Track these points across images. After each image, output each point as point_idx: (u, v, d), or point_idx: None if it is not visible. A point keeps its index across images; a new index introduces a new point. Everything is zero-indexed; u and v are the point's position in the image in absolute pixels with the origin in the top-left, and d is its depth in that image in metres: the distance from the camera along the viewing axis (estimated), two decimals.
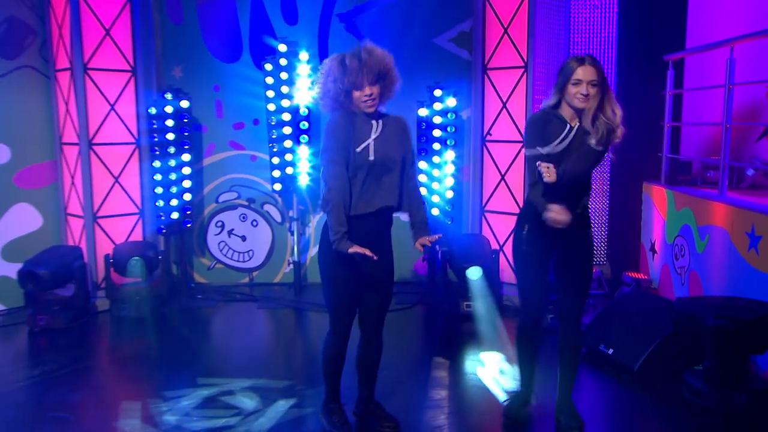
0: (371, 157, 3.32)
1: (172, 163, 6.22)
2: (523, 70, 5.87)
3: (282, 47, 6.16)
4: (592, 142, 3.32)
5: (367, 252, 3.24)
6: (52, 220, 6.16)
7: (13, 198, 5.93)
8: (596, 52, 6.33)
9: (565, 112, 3.38)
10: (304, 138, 6.24)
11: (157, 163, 6.19)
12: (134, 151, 6.11)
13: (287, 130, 6.22)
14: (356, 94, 3.30)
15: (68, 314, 5.51)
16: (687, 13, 6.41)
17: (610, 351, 4.52)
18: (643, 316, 4.65)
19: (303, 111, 6.21)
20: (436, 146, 6.10)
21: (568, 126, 3.36)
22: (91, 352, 5.26)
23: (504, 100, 6.00)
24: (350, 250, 3.26)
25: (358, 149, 3.32)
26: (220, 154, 6.72)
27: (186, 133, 6.26)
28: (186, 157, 6.27)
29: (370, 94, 3.29)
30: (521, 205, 5.86)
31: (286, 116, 6.19)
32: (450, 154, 6.13)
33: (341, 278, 3.45)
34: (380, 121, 3.42)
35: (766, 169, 5.64)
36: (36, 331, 5.39)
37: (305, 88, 6.15)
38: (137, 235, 6.19)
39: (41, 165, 6.08)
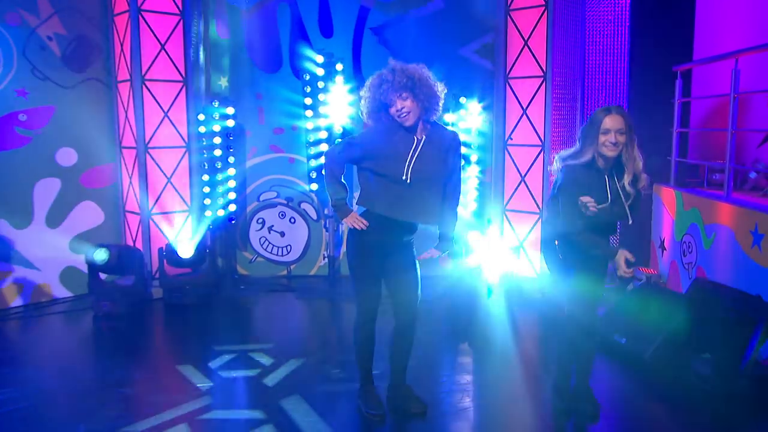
0: (405, 179, 3.32)
1: (219, 164, 6.36)
2: (542, 79, 5.94)
3: (319, 58, 6.26)
4: (627, 186, 3.34)
5: (361, 224, 3.38)
6: (113, 216, 6.34)
7: (80, 196, 6.11)
8: (609, 63, 6.39)
9: (599, 162, 3.35)
10: (338, 141, 6.35)
11: (205, 165, 6.33)
12: (185, 153, 6.24)
13: (323, 134, 6.34)
14: (392, 110, 3.33)
15: (128, 301, 5.69)
16: (694, 27, 6.45)
17: (623, 340, 4.56)
18: (653, 308, 4.69)
19: (338, 117, 6.31)
20: (462, 150, 6.19)
21: (605, 176, 3.36)
22: (148, 335, 5.46)
23: (524, 107, 6.07)
24: (344, 220, 3.43)
25: (394, 165, 3.33)
26: (262, 157, 6.85)
27: (231, 138, 6.40)
28: (230, 159, 6.41)
29: (401, 108, 3.30)
30: (540, 205, 5.98)
31: (323, 122, 6.32)
32: (474, 157, 6.24)
33: (363, 267, 3.53)
34: (423, 137, 3.39)
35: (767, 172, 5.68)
36: (99, 315, 5.57)
37: (341, 96, 6.26)
38: (187, 231, 6.35)
39: (103, 167, 6.26)
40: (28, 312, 5.73)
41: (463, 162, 6.08)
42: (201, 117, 6.28)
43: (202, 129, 6.28)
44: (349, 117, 6.32)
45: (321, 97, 6.26)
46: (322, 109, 6.28)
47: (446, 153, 3.44)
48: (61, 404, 3.88)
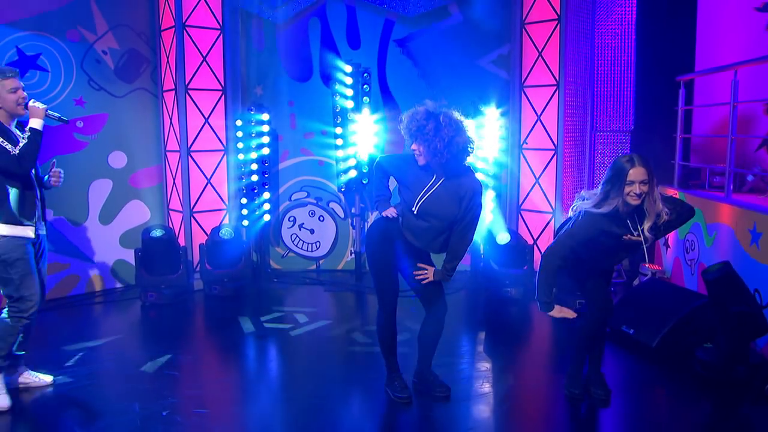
0: (414, 210, 3.43)
1: (254, 166, 6.49)
2: (555, 87, 6.01)
3: (348, 68, 6.37)
4: (647, 232, 3.37)
5: (392, 212, 3.52)
6: (157, 214, 6.49)
7: (129, 196, 6.27)
8: (617, 73, 6.43)
9: (621, 208, 3.35)
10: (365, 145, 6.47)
11: (241, 167, 6.47)
12: (223, 156, 6.37)
13: (351, 138, 6.45)
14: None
15: (171, 292, 5.84)
16: (696, 40, 6.48)
17: (631, 331, 4.60)
18: (659, 301, 4.73)
19: (364, 123, 6.40)
20: (480, 153, 6.28)
21: (627, 220, 3.38)
22: (191, 323, 5.60)
23: (538, 114, 6.14)
24: (383, 213, 3.56)
25: (410, 194, 3.45)
26: (293, 159, 6.97)
27: (265, 141, 6.52)
28: (265, 161, 6.54)
29: (414, 149, 3.42)
30: (554, 205, 6.07)
31: (351, 127, 6.43)
32: (492, 159, 6.32)
33: (381, 264, 3.61)
34: (441, 180, 3.42)
35: (764, 175, 5.72)
36: (146, 305, 5.73)
37: (366, 103, 6.36)
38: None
39: (150, 168, 6.41)
40: (84, 300, 5.92)
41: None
42: (238, 123, 6.41)
43: (240, 134, 6.42)
44: (374, 122, 6.42)
45: (349, 104, 6.37)
46: (349, 115, 6.38)
47: (460, 199, 3.41)
48: (117, 384, 4.02)
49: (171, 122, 6.21)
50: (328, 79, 6.66)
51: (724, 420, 3.71)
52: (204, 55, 6.08)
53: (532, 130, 6.24)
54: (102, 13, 5.86)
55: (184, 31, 5.93)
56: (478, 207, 3.46)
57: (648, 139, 6.27)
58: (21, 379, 3.89)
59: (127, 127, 6.15)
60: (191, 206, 6.23)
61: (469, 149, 3.39)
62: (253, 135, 6.46)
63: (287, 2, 6.62)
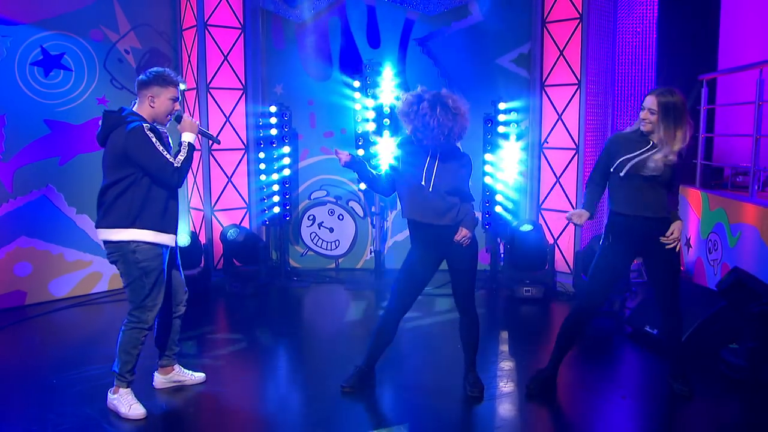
0: (429, 187, 3.56)
1: (274, 165, 6.52)
2: (576, 86, 5.97)
3: (367, 67, 6.36)
4: (657, 156, 3.48)
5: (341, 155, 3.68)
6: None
7: None
8: (638, 72, 6.40)
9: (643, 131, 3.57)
10: (385, 134, 6.40)
11: (262, 165, 6.50)
12: (244, 155, 6.42)
13: (373, 135, 6.40)
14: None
15: (193, 289, 5.81)
16: (719, 38, 6.44)
17: (655, 331, 4.57)
18: (683, 301, 4.68)
19: (385, 118, 6.39)
20: (500, 152, 6.28)
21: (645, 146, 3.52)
22: (213, 320, 5.63)
23: (559, 113, 6.11)
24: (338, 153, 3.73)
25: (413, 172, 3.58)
26: (313, 158, 6.97)
27: (285, 140, 6.52)
28: (285, 160, 6.53)
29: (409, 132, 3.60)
30: (575, 204, 6.05)
31: (370, 126, 6.39)
32: (512, 159, 6.29)
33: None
34: (437, 160, 3.57)
35: None
36: None
37: (387, 97, 6.31)
38: (245, 226, 6.51)
39: None
40: (107, 297, 5.95)
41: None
42: (259, 122, 6.44)
43: (260, 132, 6.44)
44: (395, 98, 6.35)
45: (369, 102, 6.34)
46: (369, 114, 6.37)
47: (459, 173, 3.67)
48: (146, 379, 4.00)
49: None
50: (348, 78, 6.66)
51: (751, 421, 3.69)
52: (225, 54, 6.12)
53: (552, 129, 6.20)
54: (124, 13, 5.90)
55: (206, 30, 5.96)
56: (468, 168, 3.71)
57: None
58: (175, 377, 3.94)
59: None
60: (212, 204, 6.25)
61: (461, 133, 3.53)
62: (274, 134, 6.47)
63: (307, 1, 6.64)
